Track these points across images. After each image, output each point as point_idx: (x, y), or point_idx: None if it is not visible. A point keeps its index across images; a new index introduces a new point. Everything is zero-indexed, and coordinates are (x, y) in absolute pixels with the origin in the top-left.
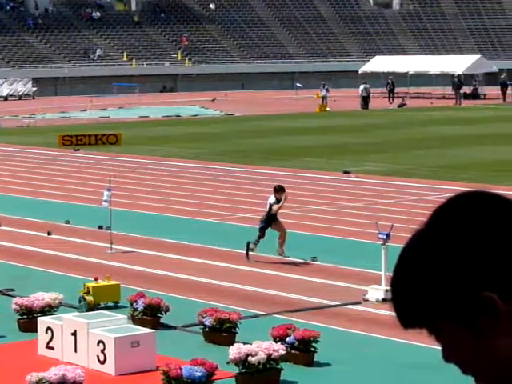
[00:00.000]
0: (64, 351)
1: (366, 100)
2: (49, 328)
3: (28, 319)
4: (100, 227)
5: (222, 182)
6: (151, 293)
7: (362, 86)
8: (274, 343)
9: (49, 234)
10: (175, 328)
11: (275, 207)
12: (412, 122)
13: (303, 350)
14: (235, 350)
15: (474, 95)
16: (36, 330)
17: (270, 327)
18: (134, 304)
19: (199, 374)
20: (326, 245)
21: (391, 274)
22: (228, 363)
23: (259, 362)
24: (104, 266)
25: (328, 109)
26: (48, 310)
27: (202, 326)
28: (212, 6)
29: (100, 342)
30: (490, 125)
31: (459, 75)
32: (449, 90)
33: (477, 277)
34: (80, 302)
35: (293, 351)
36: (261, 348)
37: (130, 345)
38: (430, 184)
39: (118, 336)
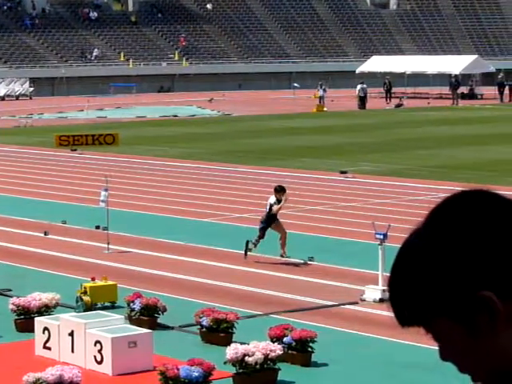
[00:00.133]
0: (61, 351)
1: (363, 100)
2: (46, 328)
3: (25, 319)
4: (97, 227)
5: (218, 182)
6: (148, 293)
7: (359, 86)
8: (271, 343)
9: (46, 234)
10: (172, 328)
11: (275, 208)
12: (409, 122)
13: (300, 350)
14: (232, 350)
15: (471, 95)
16: (33, 331)
17: (267, 327)
18: (131, 304)
19: (196, 374)
20: (323, 245)
21: (389, 272)
22: (225, 363)
23: (256, 362)
24: (101, 266)
25: (325, 109)
26: (45, 310)
27: (199, 326)
28: (209, 6)
29: (97, 342)
30: (487, 125)
31: (456, 75)
32: (446, 90)
33: (475, 275)
34: (77, 302)
35: (290, 351)
36: (258, 348)
37: (127, 345)
38: (426, 184)
39: (115, 336)
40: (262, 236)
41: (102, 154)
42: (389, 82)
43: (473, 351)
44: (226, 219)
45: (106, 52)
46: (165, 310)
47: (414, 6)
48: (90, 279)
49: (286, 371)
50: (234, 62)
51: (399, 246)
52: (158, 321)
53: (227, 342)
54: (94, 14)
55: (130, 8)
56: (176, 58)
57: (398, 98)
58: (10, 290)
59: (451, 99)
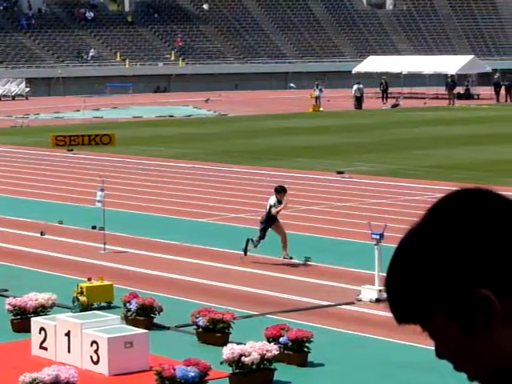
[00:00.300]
0: (57, 351)
1: (359, 100)
2: (42, 328)
3: (21, 319)
4: (93, 227)
5: (214, 182)
6: (144, 293)
7: (355, 86)
8: (267, 343)
9: (42, 234)
10: (168, 328)
11: (274, 210)
12: (405, 122)
13: (296, 350)
14: (229, 350)
15: (468, 95)
16: (29, 331)
17: (263, 327)
18: (128, 304)
19: (192, 374)
20: (318, 245)
21: (386, 270)
22: (221, 363)
23: (253, 363)
24: (97, 266)
25: (321, 109)
26: (41, 310)
27: (195, 327)
28: (205, 6)
29: (93, 342)
30: (483, 125)
31: (453, 75)
32: (442, 90)
33: (472, 274)
34: (73, 302)
35: (286, 351)
36: (254, 348)
37: (123, 345)
38: (422, 184)
39: (111, 336)
40: (262, 236)
41: (97, 154)
42: (385, 82)
43: (469, 349)
44: (221, 219)
45: (102, 52)
46: (161, 310)
47: (411, 6)
48: (86, 279)
49: (282, 371)
50: (230, 62)
51: (396, 245)
52: (155, 321)
53: (223, 342)
54: (90, 14)
55: (127, 8)
56: (172, 58)
57: (394, 98)
58: (7, 291)
59: (447, 99)
